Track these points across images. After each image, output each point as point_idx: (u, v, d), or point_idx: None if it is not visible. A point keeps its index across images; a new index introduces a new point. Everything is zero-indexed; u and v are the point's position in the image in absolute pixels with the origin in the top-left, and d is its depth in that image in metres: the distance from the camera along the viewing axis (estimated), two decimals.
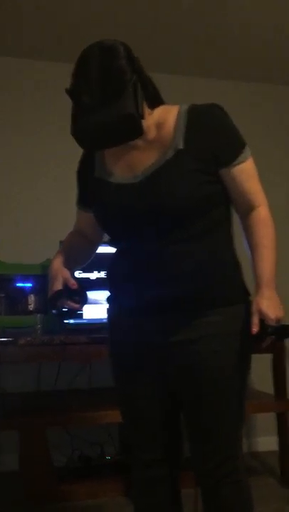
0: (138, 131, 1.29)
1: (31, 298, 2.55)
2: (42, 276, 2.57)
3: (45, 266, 2.59)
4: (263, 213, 1.38)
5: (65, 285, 1.34)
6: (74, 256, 1.49)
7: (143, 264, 1.35)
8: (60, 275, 1.37)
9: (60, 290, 1.33)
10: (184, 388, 1.38)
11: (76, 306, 1.35)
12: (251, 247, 1.38)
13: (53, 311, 1.37)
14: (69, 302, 1.33)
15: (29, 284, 2.57)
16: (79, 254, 1.53)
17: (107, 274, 1.50)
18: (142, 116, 1.28)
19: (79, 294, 1.34)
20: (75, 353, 2.33)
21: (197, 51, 3.05)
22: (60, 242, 2.47)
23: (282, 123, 3.52)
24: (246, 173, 1.37)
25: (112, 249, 1.51)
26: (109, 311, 1.51)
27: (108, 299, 1.50)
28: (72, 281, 1.34)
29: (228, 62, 3.20)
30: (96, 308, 2.44)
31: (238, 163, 1.36)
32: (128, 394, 1.45)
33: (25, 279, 2.57)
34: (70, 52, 2.87)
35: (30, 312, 2.54)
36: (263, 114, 3.46)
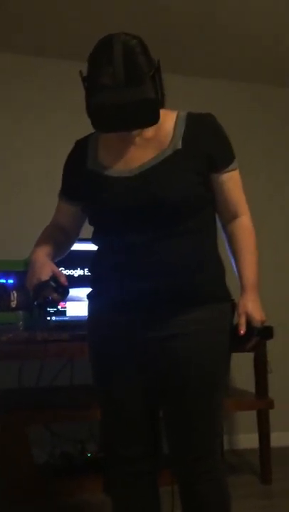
0: (155, 118, 1.32)
1: (14, 294, 2.53)
2: (24, 273, 2.53)
3: (28, 262, 2.57)
4: (246, 222, 1.48)
5: (53, 277, 1.35)
6: (54, 250, 1.49)
7: (133, 258, 1.37)
8: (49, 268, 1.37)
9: (47, 281, 1.34)
10: (169, 381, 1.39)
11: (59, 298, 1.36)
12: (236, 253, 1.46)
13: (35, 302, 1.37)
14: (54, 294, 1.35)
15: (11, 281, 2.55)
16: (58, 249, 1.52)
17: (91, 268, 1.50)
18: (160, 105, 1.33)
19: (63, 287, 1.37)
20: (58, 350, 2.32)
21: (197, 50, 3.04)
22: None
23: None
24: (234, 181, 1.46)
25: (94, 247, 1.51)
26: (92, 305, 1.50)
27: (91, 294, 1.49)
28: (64, 278, 1.36)
29: (227, 61, 3.19)
30: (78, 305, 2.43)
31: (229, 171, 1.44)
32: (112, 389, 1.45)
33: (7, 276, 2.55)
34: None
35: (13, 309, 2.52)
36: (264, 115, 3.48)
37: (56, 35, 2.85)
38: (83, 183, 1.46)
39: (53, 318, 2.51)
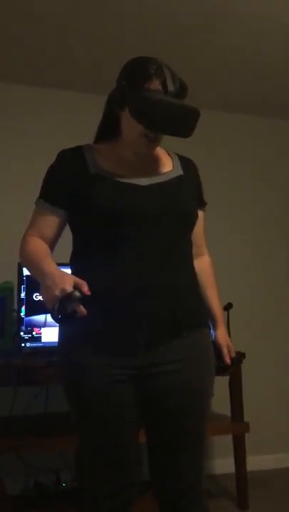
0: (192, 131, 1.39)
1: None
2: (0, 299, 2.52)
3: (3, 288, 2.55)
4: (210, 260, 1.64)
5: (77, 287, 1.23)
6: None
7: (140, 279, 1.35)
8: (71, 278, 1.25)
9: (72, 292, 1.22)
10: (170, 406, 1.38)
11: (85, 312, 1.23)
12: (207, 288, 1.58)
13: (60, 316, 1.23)
14: (80, 306, 1.23)
15: None
16: None
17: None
18: None
19: (85, 301, 1.25)
20: (32, 377, 2.28)
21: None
22: (19, 263, 2.45)
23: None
24: (204, 221, 1.62)
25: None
26: (77, 328, 1.35)
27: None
28: (87, 287, 1.24)
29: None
30: (53, 331, 2.41)
31: (204, 210, 1.61)
32: (107, 419, 1.37)
33: None
34: None
35: None
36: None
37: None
38: (86, 186, 1.40)
39: (28, 344, 2.48)
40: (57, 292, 1.21)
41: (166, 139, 1.47)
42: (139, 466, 1.46)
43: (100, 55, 2.78)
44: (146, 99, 1.33)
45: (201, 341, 1.44)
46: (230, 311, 2.63)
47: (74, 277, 1.26)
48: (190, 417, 1.39)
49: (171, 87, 1.35)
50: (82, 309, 1.22)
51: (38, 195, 1.51)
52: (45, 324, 2.43)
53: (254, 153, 3.57)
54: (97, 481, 1.40)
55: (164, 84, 1.35)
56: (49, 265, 1.32)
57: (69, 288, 1.22)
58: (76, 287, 1.23)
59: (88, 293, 1.23)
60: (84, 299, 1.23)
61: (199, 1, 2.34)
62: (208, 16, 2.44)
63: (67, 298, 1.21)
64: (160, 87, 1.35)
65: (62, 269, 1.31)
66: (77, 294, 1.21)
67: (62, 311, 1.22)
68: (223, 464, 3.06)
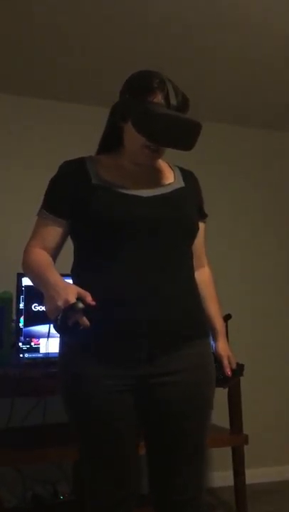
0: (194, 144, 1.40)
1: None
2: None
3: (2, 298, 2.54)
4: (210, 273, 1.65)
5: (80, 298, 1.23)
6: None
7: (135, 286, 1.35)
8: (74, 288, 1.25)
9: (75, 303, 1.21)
10: (167, 410, 1.38)
11: (87, 323, 1.23)
12: (208, 299, 1.58)
13: (62, 328, 1.23)
14: (83, 317, 1.22)
15: None
16: None
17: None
18: None
19: (91, 308, 1.25)
20: (30, 388, 2.27)
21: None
22: (18, 274, 2.45)
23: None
24: (204, 232, 1.64)
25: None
26: (79, 337, 1.33)
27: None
28: (90, 297, 1.24)
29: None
30: (52, 341, 2.40)
31: (205, 222, 1.63)
32: (110, 427, 1.37)
33: None
34: None
35: None
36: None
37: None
38: (87, 196, 1.42)
39: (26, 354, 2.47)
40: (60, 303, 1.21)
41: (166, 150, 1.48)
42: (140, 475, 1.45)
43: (101, 64, 2.80)
44: (149, 111, 1.36)
45: (202, 351, 1.44)
46: (229, 321, 2.63)
47: (78, 288, 1.26)
48: (190, 418, 1.39)
49: (173, 100, 1.38)
50: (84, 320, 1.22)
51: (38, 202, 1.53)
52: (48, 335, 2.42)
53: (253, 164, 3.59)
54: (97, 483, 1.40)
55: (166, 98, 1.38)
56: (53, 276, 1.32)
57: (72, 299, 1.21)
58: (80, 298, 1.23)
59: (92, 303, 1.23)
60: (87, 310, 1.22)
61: (201, 2, 2.34)
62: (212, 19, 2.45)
63: (70, 309, 1.21)
64: (163, 101, 1.38)
65: (65, 280, 1.32)
66: (80, 305, 1.21)
67: (64, 321, 1.21)
68: (222, 476, 3.02)
